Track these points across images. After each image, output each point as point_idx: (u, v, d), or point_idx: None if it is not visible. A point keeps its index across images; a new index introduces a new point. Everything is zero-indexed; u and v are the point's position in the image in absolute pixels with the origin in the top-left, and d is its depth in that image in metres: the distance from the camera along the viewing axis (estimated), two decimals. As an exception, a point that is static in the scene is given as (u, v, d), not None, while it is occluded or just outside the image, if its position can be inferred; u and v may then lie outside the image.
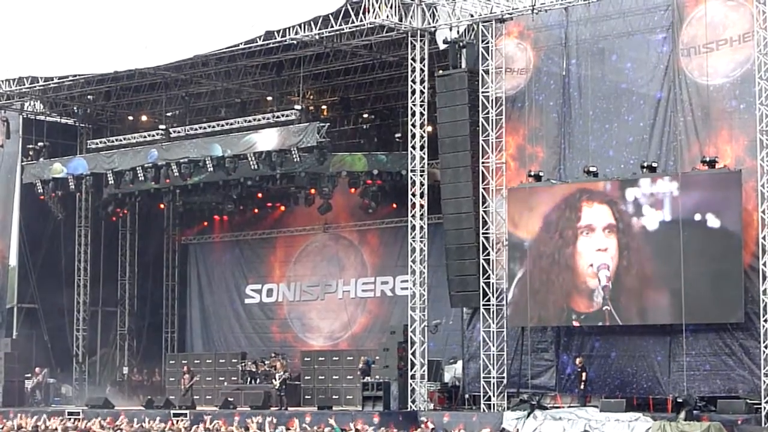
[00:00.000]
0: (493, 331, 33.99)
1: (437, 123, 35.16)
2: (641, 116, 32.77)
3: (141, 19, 38.35)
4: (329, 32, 35.51)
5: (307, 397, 41.61)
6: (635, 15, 32.94)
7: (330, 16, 34.99)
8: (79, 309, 46.00)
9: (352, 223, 44.94)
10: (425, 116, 35.13)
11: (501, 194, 34.21)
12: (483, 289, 34.26)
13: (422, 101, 35.03)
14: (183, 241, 49.33)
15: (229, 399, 39.47)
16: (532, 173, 33.67)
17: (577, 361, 32.85)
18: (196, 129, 42.43)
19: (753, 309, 30.41)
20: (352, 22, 34.79)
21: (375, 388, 35.40)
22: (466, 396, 35.48)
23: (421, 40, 34.99)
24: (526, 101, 34.37)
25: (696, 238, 30.87)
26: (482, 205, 34.39)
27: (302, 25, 35.68)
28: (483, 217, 34.37)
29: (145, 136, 43.37)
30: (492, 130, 34.23)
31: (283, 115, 40.34)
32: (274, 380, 39.70)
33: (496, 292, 34.20)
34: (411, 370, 34.79)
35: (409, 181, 35.42)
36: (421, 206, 35.12)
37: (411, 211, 35.26)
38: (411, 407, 34.50)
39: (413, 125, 35.19)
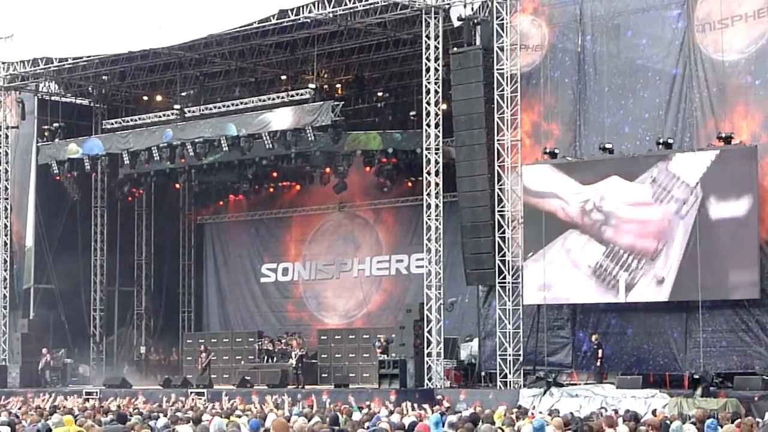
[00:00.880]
0: (509, 309, 33.99)
1: (452, 101, 35.05)
2: (657, 92, 32.67)
3: (155, -1, 38.42)
4: (343, 10, 35.48)
5: (323, 375, 41.66)
6: (650, -9, 32.87)
7: (344, -7, 35.01)
8: (96, 289, 46.12)
9: (367, 201, 44.90)
10: (440, 94, 35.08)
11: (516, 171, 34.17)
12: (498, 266, 34.25)
13: (437, 79, 34.97)
14: (199, 220, 49.39)
15: (246, 378, 39.62)
16: (548, 150, 33.61)
17: (593, 338, 32.84)
18: (210, 108, 42.44)
19: (769, 285, 30.40)
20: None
21: (391, 366, 35.47)
22: (483, 373, 35.57)
23: (435, 18, 34.90)
24: (541, 78, 34.26)
25: (711, 213, 30.81)
26: (497, 183, 34.36)
27: (316, 3, 35.66)
28: (498, 195, 34.35)
29: (159, 116, 43.35)
30: (507, 108, 34.13)
31: (297, 94, 40.36)
32: (290, 359, 39.80)
33: (512, 269, 34.20)
34: (427, 348, 34.86)
35: (424, 159, 35.38)
36: (436, 184, 35.10)
37: (426, 189, 35.25)
38: (427, 385, 34.56)
39: (428, 103, 35.15)
